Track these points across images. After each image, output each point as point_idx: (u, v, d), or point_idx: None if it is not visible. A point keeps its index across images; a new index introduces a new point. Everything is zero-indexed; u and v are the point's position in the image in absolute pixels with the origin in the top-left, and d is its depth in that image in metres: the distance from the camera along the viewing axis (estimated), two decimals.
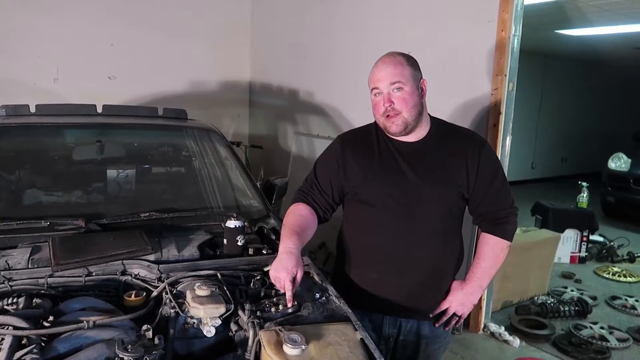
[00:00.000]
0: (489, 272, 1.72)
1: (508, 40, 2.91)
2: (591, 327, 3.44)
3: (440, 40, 3.26)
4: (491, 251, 1.70)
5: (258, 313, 1.37)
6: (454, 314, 1.74)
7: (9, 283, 1.45)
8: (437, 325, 1.74)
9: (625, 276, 4.57)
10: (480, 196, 1.66)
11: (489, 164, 1.66)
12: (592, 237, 5.07)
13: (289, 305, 1.42)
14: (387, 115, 1.58)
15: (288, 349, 1.18)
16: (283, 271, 1.44)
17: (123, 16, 4.65)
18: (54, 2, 4.35)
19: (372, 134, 1.71)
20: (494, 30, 2.95)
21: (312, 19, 4.49)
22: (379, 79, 1.59)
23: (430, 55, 3.02)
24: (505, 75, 2.96)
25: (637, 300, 3.99)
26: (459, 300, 1.72)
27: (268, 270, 1.64)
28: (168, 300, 1.40)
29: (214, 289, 1.41)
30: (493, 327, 3.34)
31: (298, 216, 1.68)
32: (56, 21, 4.37)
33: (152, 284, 1.54)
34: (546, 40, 7.05)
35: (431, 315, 1.73)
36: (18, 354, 1.13)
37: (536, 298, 3.90)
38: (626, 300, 4.01)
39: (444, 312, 1.74)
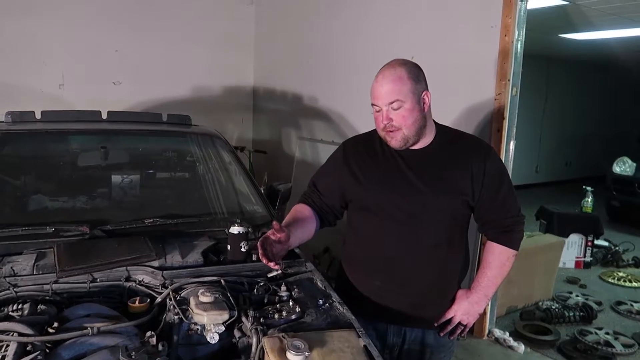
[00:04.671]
0: (494, 281, 1.71)
1: (511, 45, 2.92)
2: (596, 333, 3.43)
3: (443, 45, 3.27)
4: (497, 260, 1.69)
5: (261, 319, 1.37)
6: (459, 323, 1.73)
7: (14, 289, 1.46)
8: (441, 334, 1.73)
9: (630, 281, 4.55)
10: (486, 204, 1.64)
11: (495, 171, 1.64)
12: (597, 242, 5.04)
13: (272, 265, 1.43)
14: (388, 131, 1.57)
15: (291, 356, 1.18)
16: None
17: (127, 23, 4.69)
18: (59, 9, 4.38)
19: (376, 140, 1.70)
20: (497, 35, 2.95)
21: (315, 24, 4.50)
22: (377, 96, 1.55)
23: (434, 60, 3.02)
24: (509, 80, 2.95)
25: None
26: (464, 309, 1.71)
27: (272, 277, 1.66)
28: (172, 307, 1.40)
29: (217, 296, 1.41)
30: (498, 332, 3.33)
31: (295, 212, 1.73)
32: (62, 28, 4.41)
33: (156, 290, 1.55)
34: (550, 44, 7.04)
35: (436, 324, 1.72)
36: None
37: (541, 303, 3.88)
38: (632, 305, 3.99)
39: (449, 321, 1.72)
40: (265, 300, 1.52)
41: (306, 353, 1.19)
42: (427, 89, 1.60)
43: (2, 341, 1.20)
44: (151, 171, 2.68)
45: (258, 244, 1.45)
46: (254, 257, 1.79)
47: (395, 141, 1.57)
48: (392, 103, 1.53)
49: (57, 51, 4.42)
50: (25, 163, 2.49)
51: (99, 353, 1.19)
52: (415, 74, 1.56)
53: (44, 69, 4.38)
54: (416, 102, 1.55)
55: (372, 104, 1.59)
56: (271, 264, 1.44)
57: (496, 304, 3.43)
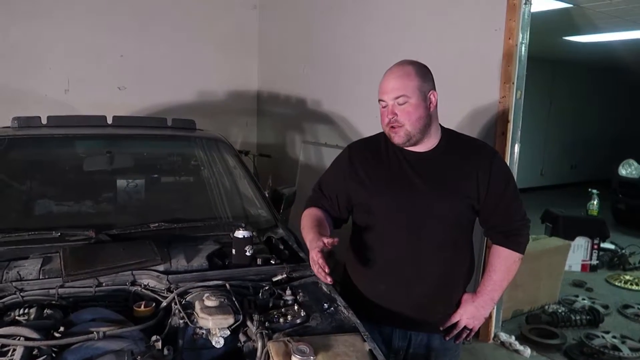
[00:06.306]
0: (500, 285, 1.70)
1: (515, 48, 2.91)
2: (603, 337, 3.40)
3: (447, 48, 3.27)
4: (503, 264, 1.68)
5: (266, 324, 1.38)
6: (465, 327, 1.72)
7: (21, 294, 1.47)
8: (447, 338, 1.72)
9: (637, 284, 4.51)
10: (491, 208, 1.64)
11: (500, 175, 1.64)
12: (603, 245, 5.01)
13: (327, 270, 1.45)
14: (391, 127, 1.59)
15: None
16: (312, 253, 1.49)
17: (132, 28, 4.71)
18: (65, 14, 4.41)
19: (381, 143, 1.71)
20: (501, 38, 2.95)
21: (320, 28, 4.52)
22: (384, 91, 1.59)
23: (438, 63, 3.01)
24: (513, 83, 2.95)
25: None
26: (470, 313, 1.70)
27: (277, 281, 1.66)
28: (177, 311, 1.41)
29: (222, 300, 1.41)
30: (503, 336, 3.31)
31: (312, 215, 1.72)
32: (67, 33, 4.43)
33: (161, 294, 1.55)
34: (554, 47, 7.02)
35: (441, 328, 1.72)
36: None
37: (547, 307, 3.85)
38: (639, 309, 3.96)
39: (455, 325, 1.72)
40: (270, 304, 1.52)
41: (311, 357, 1.19)
42: (435, 89, 1.62)
43: (9, 345, 1.20)
44: (156, 175, 2.69)
45: (321, 259, 1.46)
46: (259, 261, 1.80)
47: (398, 137, 1.59)
48: (397, 98, 1.56)
49: (63, 56, 4.44)
50: (31, 168, 2.51)
51: (104, 357, 1.19)
52: (423, 72, 1.60)
53: (50, 74, 4.40)
54: (422, 99, 1.58)
55: (379, 100, 1.61)
56: (329, 278, 1.47)
57: (502, 307, 3.42)
